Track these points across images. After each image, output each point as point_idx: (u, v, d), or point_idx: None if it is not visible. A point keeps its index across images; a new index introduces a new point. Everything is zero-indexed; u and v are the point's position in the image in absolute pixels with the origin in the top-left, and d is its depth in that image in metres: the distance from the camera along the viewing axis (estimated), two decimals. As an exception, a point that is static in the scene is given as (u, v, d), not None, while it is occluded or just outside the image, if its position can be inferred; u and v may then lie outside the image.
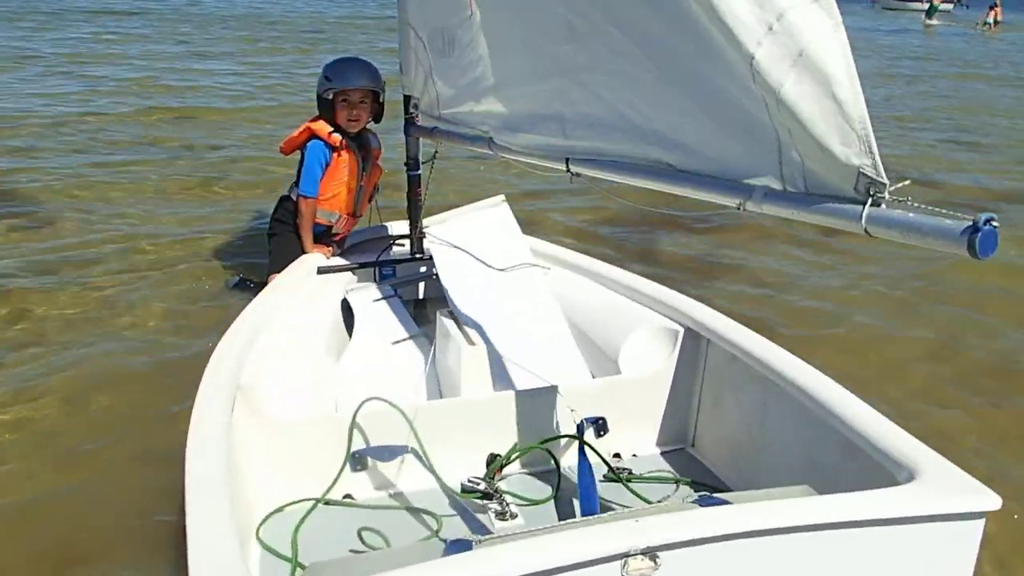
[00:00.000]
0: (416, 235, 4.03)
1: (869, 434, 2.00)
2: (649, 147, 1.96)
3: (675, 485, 2.65)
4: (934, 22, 36.20)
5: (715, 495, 1.80)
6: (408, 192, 3.99)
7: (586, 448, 2.61)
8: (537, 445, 2.69)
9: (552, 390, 2.77)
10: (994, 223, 1.29)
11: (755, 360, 2.53)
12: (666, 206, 6.16)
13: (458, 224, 4.00)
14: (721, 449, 2.78)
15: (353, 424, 2.55)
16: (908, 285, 5.57)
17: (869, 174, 1.42)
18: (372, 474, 2.61)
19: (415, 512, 2.50)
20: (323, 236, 4.21)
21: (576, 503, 2.52)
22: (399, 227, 4.24)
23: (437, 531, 2.39)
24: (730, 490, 2.60)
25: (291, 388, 2.69)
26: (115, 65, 13.71)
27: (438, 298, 3.69)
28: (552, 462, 2.69)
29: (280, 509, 2.46)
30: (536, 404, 2.75)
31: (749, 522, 1.47)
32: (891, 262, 5.93)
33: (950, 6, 42.87)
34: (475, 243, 3.72)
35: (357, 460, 2.58)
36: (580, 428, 2.73)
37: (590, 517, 1.70)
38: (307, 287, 3.54)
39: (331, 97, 3.94)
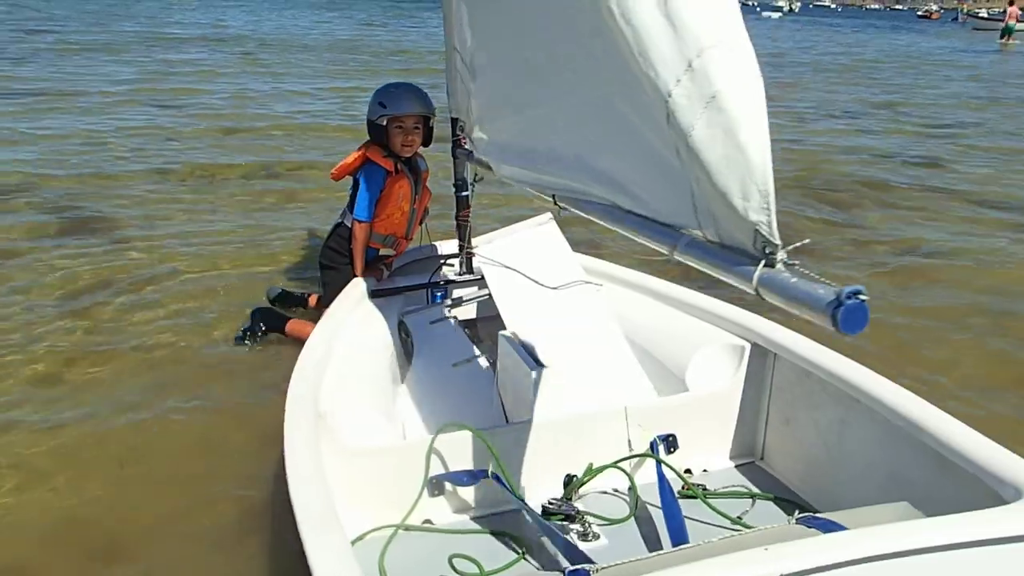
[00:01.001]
0: (465, 255, 4.07)
1: (965, 450, 2.00)
2: (601, 187, 1.97)
3: (751, 500, 2.67)
4: (1014, 41, 36.60)
5: (817, 516, 1.81)
6: (456, 213, 4.04)
7: (663, 467, 2.65)
8: (612, 464, 2.73)
9: (621, 409, 2.80)
10: (860, 296, 1.24)
11: (830, 376, 2.55)
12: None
13: (506, 243, 4.04)
14: (793, 463, 2.80)
15: (430, 449, 2.59)
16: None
17: (764, 232, 1.40)
18: (450, 498, 2.65)
19: (499, 535, 2.53)
20: (375, 260, 4.24)
21: (656, 520, 2.56)
22: (447, 247, 4.28)
23: (523, 554, 2.42)
24: (807, 503, 2.62)
25: (362, 415, 2.73)
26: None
27: (492, 317, 3.72)
28: (627, 479, 2.72)
29: (361, 537, 2.50)
30: (607, 423, 2.78)
31: (875, 547, 1.49)
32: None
33: None
34: (525, 262, 3.75)
35: (434, 485, 2.62)
36: (654, 446, 2.77)
37: (705, 545, 1.72)
38: (362, 311, 3.59)
39: (384, 123, 3.98)
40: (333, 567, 1.70)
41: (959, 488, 1.99)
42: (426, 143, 4.18)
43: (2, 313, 4.98)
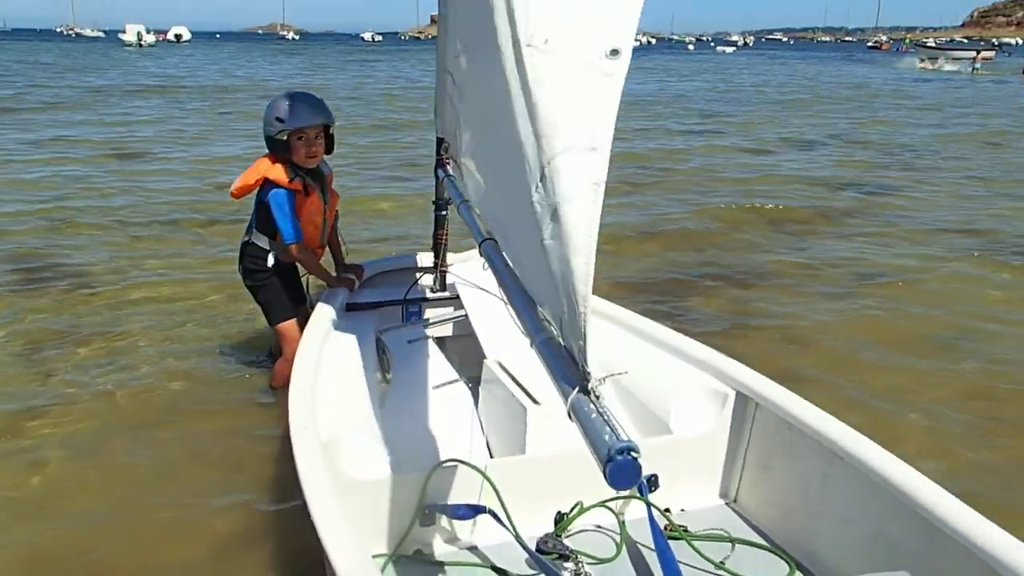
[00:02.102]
0: (439, 272, 4.04)
1: (957, 526, 2.01)
2: (507, 246, 1.98)
3: (731, 545, 2.68)
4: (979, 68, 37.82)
5: None
6: (434, 231, 4.01)
7: (650, 507, 2.65)
8: (601, 503, 2.73)
9: None
10: (632, 454, 1.26)
11: (811, 430, 2.58)
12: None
13: (483, 267, 4.00)
14: (768, 508, 2.84)
15: (427, 481, 2.56)
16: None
17: (577, 358, 1.41)
18: (444, 530, 2.63)
19: (495, 570, 2.52)
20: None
21: (644, 559, 2.59)
22: (422, 259, 4.24)
23: None
24: (784, 550, 2.65)
25: (353, 442, 2.69)
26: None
27: (466, 335, 3.70)
28: (613, 517, 2.74)
29: None
30: (594, 461, 2.77)
31: None
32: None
33: (991, 53, 44.60)
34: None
35: (427, 516, 2.59)
36: (640, 488, 2.77)
37: None
38: (340, 327, 3.54)
39: (285, 137, 3.83)
40: None
41: (952, 562, 2.00)
42: (328, 151, 4.06)
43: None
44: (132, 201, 9.28)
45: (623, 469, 1.25)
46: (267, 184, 3.91)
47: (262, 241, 4.09)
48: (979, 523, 2.01)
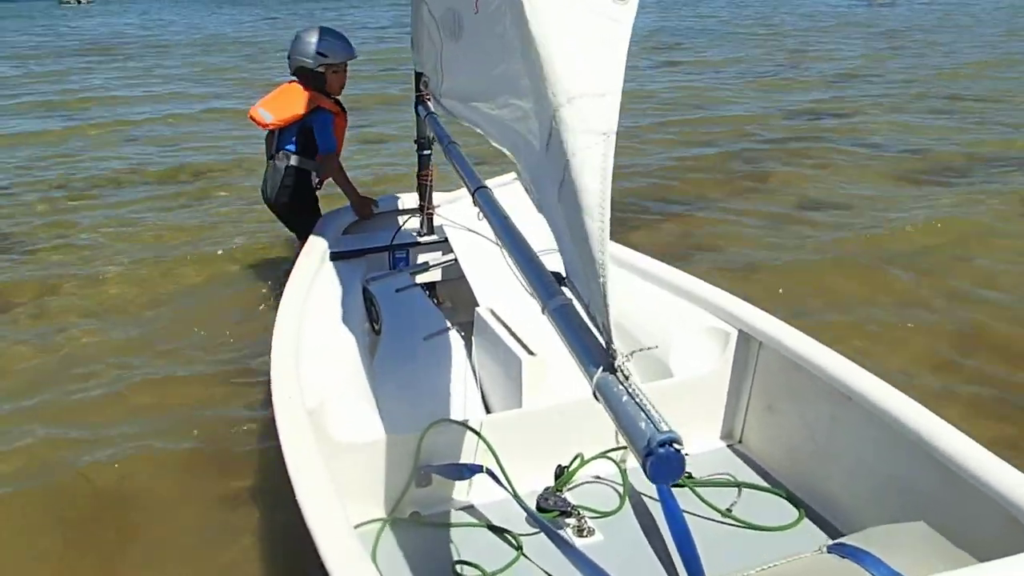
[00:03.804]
0: (426, 215, 3.90)
1: (979, 472, 1.94)
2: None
3: (737, 489, 2.64)
4: None
5: (846, 544, 1.75)
6: (418, 171, 3.86)
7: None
8: (602, 454, 2.66)
9: None
10: (676, 445, 1.13)
11: (819, 370, 2.50)
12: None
13: (471, 203, 3.87)
14: (773, 449, 2.78)
15: (420, 442, 2.47)
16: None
17: (600, 333, 1.30)
18: (438, 491, 2.54)
19: (494, 530, 2.45)
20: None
21: (648, 510, 2.53)
22: (407, 200, 4.10)
23: (521, 550, 2.34)
24: (790, 491, 2.60)
25: (344, 406, 2.59)
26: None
27: (458, 279, 3.58)
28: (615, 467, 2.67)
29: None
30: (594, 412, 2.69)
31: None
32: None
33: None
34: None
35: (423, 477, 2.51)
36: None
37: None
38: (324, 277, 3.41)
39: (323, 70, 4.26)
40: (343, 552, 1.73)
41: (974, 511, 1.94)
42: None
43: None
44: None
45: (666, 463, 1.12)
46: (318, 111, 4.30)
47: (306, 164, 4.42)
48: (1001, 469, 1.94)
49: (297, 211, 4.51)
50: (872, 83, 12.96)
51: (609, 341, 1.29)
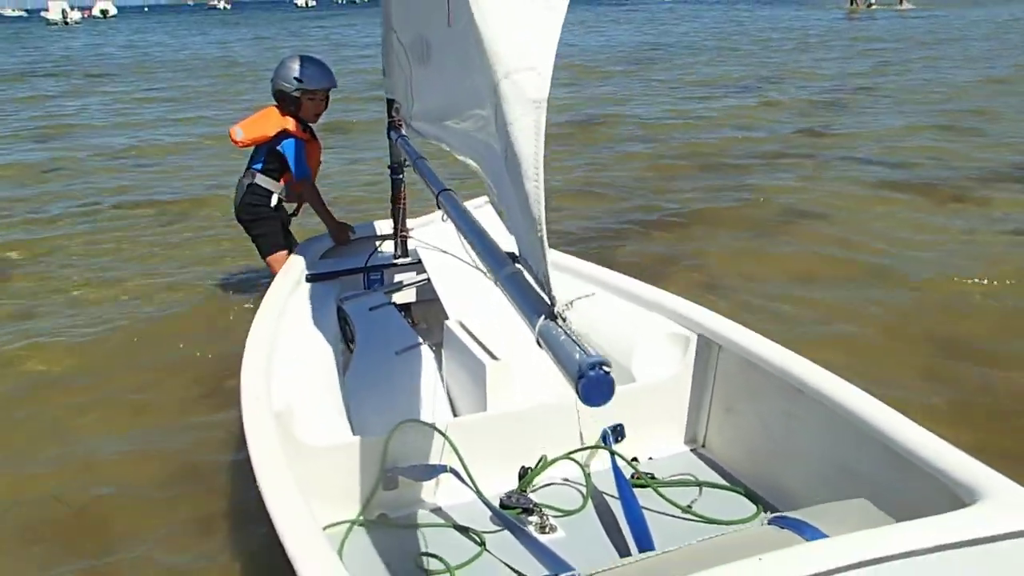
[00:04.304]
0: (400, 238, 4.02)
1: (918, 449, 2.05)
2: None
3: (698, 489, 2.74)
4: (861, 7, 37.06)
5: (786, 516, 1.85)
6: (392, 195, 3.98)
7: (616, 457, 2.70)
8: (565, 456, 2.76)
9: (571, 401, 2.82)
10: (604, 368, 1.26)
11: (775, 368, 2.60)
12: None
13: (443, 226, 4.00)
14: (734, 451, 2.89)
15: (386, 445, 2.56)
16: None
17: (541, 284, 1.44)
18: (405, 493, 2.63)
19: (458, 529, 2.53)
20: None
21: (610, 509, 2.61)
22: (381, 227, 4.21)
23: (484, 546, 2.42)
24: (751, 490, 2.71)
25: (313, 412, 2.67)
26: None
27: (431, 300, 3.69)
28: (579, 469, 2.76)
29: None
30: (558, 415, 2.81)
31: (860, 554, 1.54)
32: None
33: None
34: (462, 246, 3.72)
35: (389, 480, 2.59)
36: (605, 437, 2.82)
37: (688, 549, 1.76)
38: (300, 297, 3.50)
39: (298, 95, 4.44)
40: (311, 553, 1.77)
41: (914, 487, 2.05)
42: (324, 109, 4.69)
43: None
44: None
45: (596, 384, 1.25)
46: (283, 134, 4.47)
47: (266, 182, 4.63)
48: (938, 447, 2.05)
49: (254, 226, 4.73)
50: (859, 95, 13.34)
51: (549, 290, 1.42)
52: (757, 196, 7.70)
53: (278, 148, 4.50)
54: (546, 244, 1.40)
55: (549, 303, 1.43)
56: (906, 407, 2.26)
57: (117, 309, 5.43)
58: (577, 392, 1.27)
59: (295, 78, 4.42)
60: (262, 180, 4.64)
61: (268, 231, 4.72)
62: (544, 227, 1.38)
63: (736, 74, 17.02)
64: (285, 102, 4.48)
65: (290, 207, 4.89)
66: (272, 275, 4.39)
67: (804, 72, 17.05)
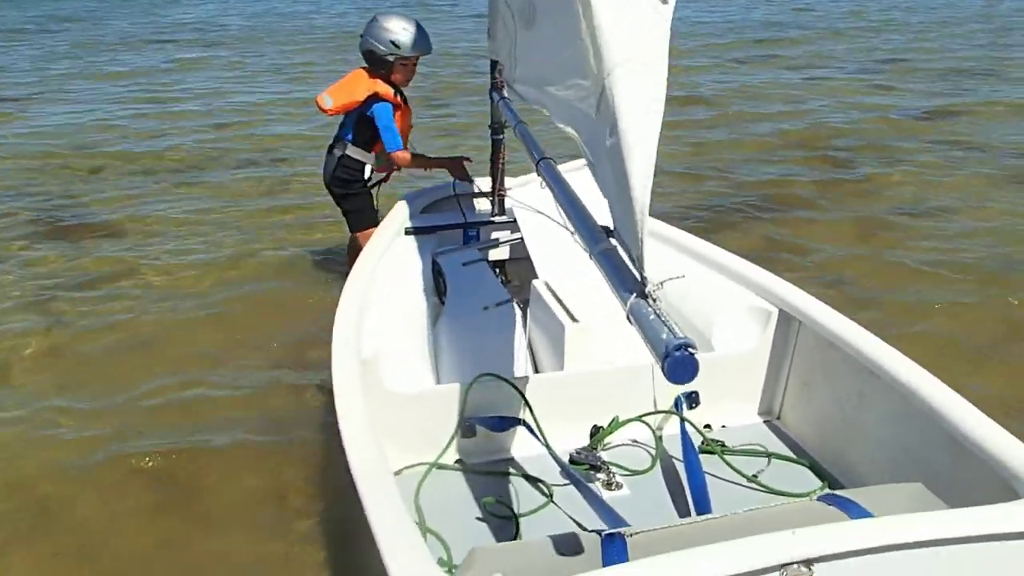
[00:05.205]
0: (498, 196, 4.13)
1: (981, 440, 2.05)
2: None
3: (767, 460, 2.79)
4: None
5: (836, 494, 1.89)
6: (492, 155, 4.08)
7: (686, 423, 2.76)
8: (637, 418, 2.84)
9: (648, 365, 2.89)
10: (690, 349, 1.31)
11: (852, 348, 2.61)
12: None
13: (540, 187, 4.08)
14: (808, 426, 2.91)
15: (465, 395, 2.70)
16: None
17: (635, 265, 1.47)
18: (481, 442, 2.77)
19: (528, 479, 2.66)
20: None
21: (676, 473, 2.69)
22: (480, 185, 4.33)
23: (551, 498, 2.55)
24: (819, 465, 2.73)
25: (401, 360, 2.84)
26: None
27: (524, 259, 3.80)
28: (650, 433, 2.84)
29: (398, 473, 2.63)
30: (634, 378, 2.89)
31: (901, 535, 1.57)
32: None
33: None
34: (557, 208, 3.79)
35: (467, 428, 2.73)
36: (678, 403, 2.88)
37: (730, 518, 1.82)
38: (398, 249, 3.67)
39: (392, 59, 4.27)
40: (380, 497, 1.87)
41: (973, 476, 2.05)
42: None
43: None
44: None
45: (680, 364, 1.32)
46: (373, 98, 4.29)
47: (358, 154, 4.48)
48: (998, 436, 2.05)
49: (346, 200, 4.61)
50: (985, 82, 12.43)
51: (642, 271, 1.50)
52: (870, 184, 7.34)
53: (368, 114, 4.33)
54: (645, 227, 1.47)
55: (641, 283, 1.50)
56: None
57: (215, 270, 5.57)
58: (663, 370, 1.34)
59: (391, 41, 4.23)
60: (353, 152, 4.48)
61: (362, 206, 4.59)
62: (647, 212, 1.46)
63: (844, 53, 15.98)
64: (376, 64, 4.31)
65: (379, 176, 4.74)
66: (359, 251, 4.31)
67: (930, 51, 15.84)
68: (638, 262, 1.50)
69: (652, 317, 1.42)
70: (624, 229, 1.58)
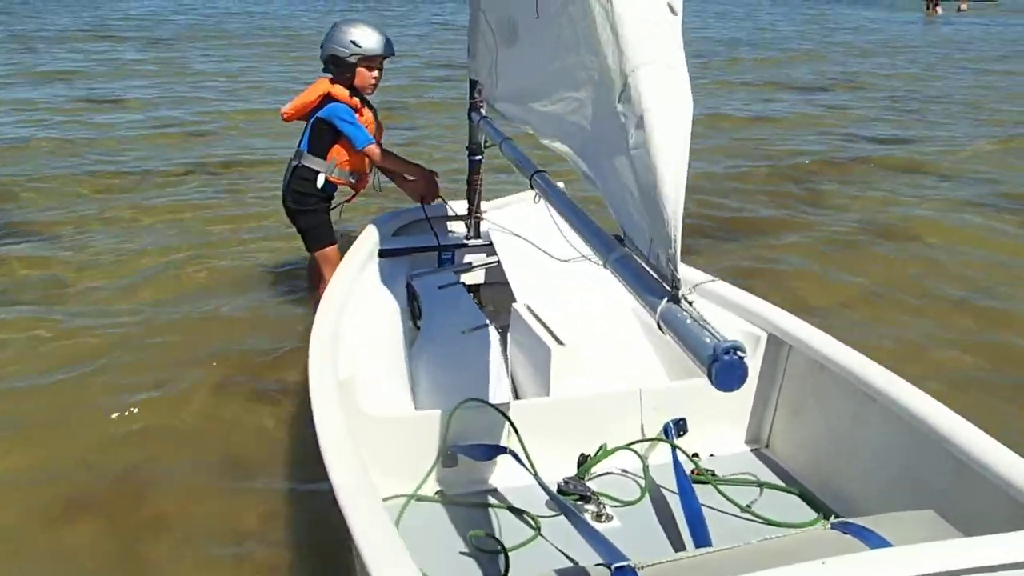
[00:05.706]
0: (473, 219, 4.04)
1: (988, 461, 1.99)
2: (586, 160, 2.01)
3: (759, 489, 2.69)
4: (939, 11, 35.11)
5: (850, 522, 1.81)
6: (468, 176, 4.00)
7: (677, 452, 2.66)
8: (626, 446, 2.74)
9: (635, 391, 2.81)
10: (739, 353, 1.24)
11: (844, 370, 2.55)
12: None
13: (517, 210, 4.00)
14: (798, 452, 2.83)
15: (448, 422, 2.57)
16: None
17: (665, 268, 1.42)
18: (463, 471, 2.63)
19: (514, 511, 2.53)
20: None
21: (668, 503, 2.58)
22: (455, 207, 4.24)
23: (539, 531, 2.42)
24: (811, 493, 2.65)
25: (377, 383, 2.71)
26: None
27: (500, 283, 3.70)
28: (639, 461, 2.74)
29: None
30: (621, 405, 2.79)
31: (924, 566, 1.49)
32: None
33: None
34: (535, 231, 3.71)
35: (449, 457, 2.61)
36: (667, 430, 2.78)
37: (748, 547, 1.73)
38: (371, 270, 3.56)
39: (354, 61, 4.11)
40: (369, 524, 1.77)
41: (981, 500, 1.99)
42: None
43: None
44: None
45: (730, 369, 1.24)
46: (327, 100, 4.13)
47: (312, 162, 4.24)
48: (1009, 460, 1.99)
49: (302, 217, 4.37)
50: (935, 104, 12.80)
51: (675, 272, 1.41)
52: (832, 207, 7.38)
53: (323, 116, 4.13)
54: (679, 226, 1.39)
55: (673, 286, 1.41)
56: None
57: (179, 280, 5.35)
58: (710, 377, 1.25)
59: (352, 42, 4.08)
60: (308, 161, 4.23)
61: (315, 222, 4.33)
62: (680, 209, 1.38)
63: (808, 77, 16.37)
64: (338, 68, 4.14)
65: (344, 193, 4.46)
66: (319, 271, 4.29)
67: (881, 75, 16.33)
68: (670, 263, 1.41)
69: (689, 321, 1.34)
70: (644, 232, 1.50)
